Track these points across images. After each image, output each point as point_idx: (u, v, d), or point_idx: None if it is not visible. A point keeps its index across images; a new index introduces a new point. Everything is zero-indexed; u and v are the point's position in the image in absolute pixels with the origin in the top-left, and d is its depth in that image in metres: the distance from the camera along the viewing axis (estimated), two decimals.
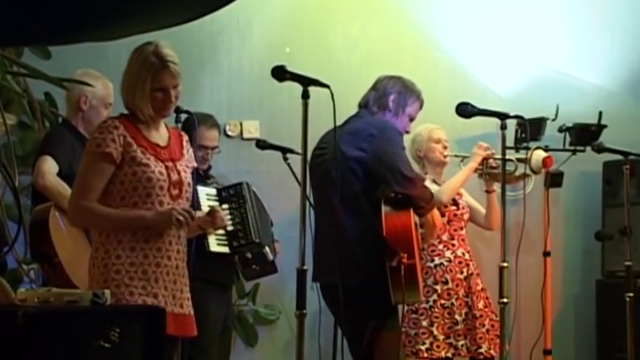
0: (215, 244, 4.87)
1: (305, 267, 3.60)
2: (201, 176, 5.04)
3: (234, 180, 5.21)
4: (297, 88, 3.64)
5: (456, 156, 5.62)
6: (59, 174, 4.51)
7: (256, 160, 5.85)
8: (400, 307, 4.52)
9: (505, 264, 4.44)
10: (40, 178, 4.49)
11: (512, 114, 4.58)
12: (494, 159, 5.42)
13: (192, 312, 3.78)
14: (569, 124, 6.07)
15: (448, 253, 5.38)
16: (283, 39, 6.18)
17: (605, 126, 6.04)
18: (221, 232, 4.84)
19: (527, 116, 5.13)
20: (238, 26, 6.18)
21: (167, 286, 3.65)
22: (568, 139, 6.11)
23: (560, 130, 6.08)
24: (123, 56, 3.75)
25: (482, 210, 5.61)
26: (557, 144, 6.05)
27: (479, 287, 5.39)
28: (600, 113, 6.05)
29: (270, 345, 6.09)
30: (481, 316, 5.32)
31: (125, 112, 3.74)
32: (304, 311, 3.57)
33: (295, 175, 5.00)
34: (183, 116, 4.57)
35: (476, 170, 5.44)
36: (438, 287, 5.31)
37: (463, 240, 5.47)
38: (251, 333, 6.00)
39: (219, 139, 5.22)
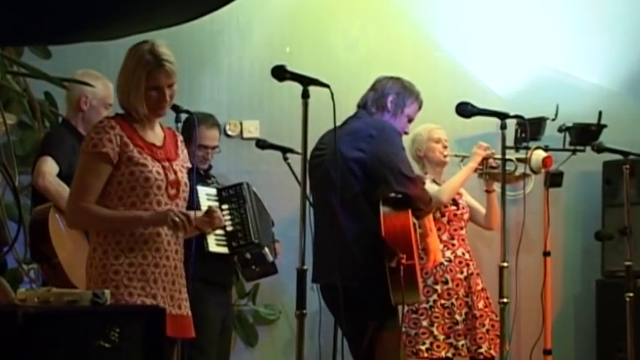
0: (214, 245, 4.87)
1: (305, 267, 3.60)
2: (202, 176, 5.04)
3: (235, 180, 5.21)
4: (297, 87, 3.64)
5: (456, 156, 5.62)
6: (59, 174, 4.51)
7: (256, 159, 5.85)
8: (400, 307, 4.52)
9: (505, 264, 4.44)
10: (40, 179, 4.49)
11: (512, 114, 4.58)
12: (494, 159, 5.42)
13: (190, 313, 3.75)
14: (569, 124, 6.07)
15: (448, 253, 5.37)
16: (283, 38, 6.18)
17: (604, 126, 6.04)
18: (220, 232, 4.84)
19: (527, 116, 5.13)
20: (238, 26, 6.18)
21: (165, 287, 3.62)
22: (568, 138, 6.10)
23: (560, 129, 6.08)
24: (123, 56, 3.73)
25: (482, 210, 5.61)
26: (557, 144, 6.05)
27: (479, 287, 5.39)
28: (600, 113, 6.05)
29: (270, 345, 6.08)
30: (481, 316, 5.32)
31: (121, 112, 3.73)
32: (304, 311, 3.57)
33: (295, 175, 5.00)
34: (184, 116, 4.55)
35: (476, 170, 5.44)
36: (438, 287, 5.31)
37: (463, 240, 5.46)
38: (251, 333, 6.00)
39: (219, 139, 5.22)
